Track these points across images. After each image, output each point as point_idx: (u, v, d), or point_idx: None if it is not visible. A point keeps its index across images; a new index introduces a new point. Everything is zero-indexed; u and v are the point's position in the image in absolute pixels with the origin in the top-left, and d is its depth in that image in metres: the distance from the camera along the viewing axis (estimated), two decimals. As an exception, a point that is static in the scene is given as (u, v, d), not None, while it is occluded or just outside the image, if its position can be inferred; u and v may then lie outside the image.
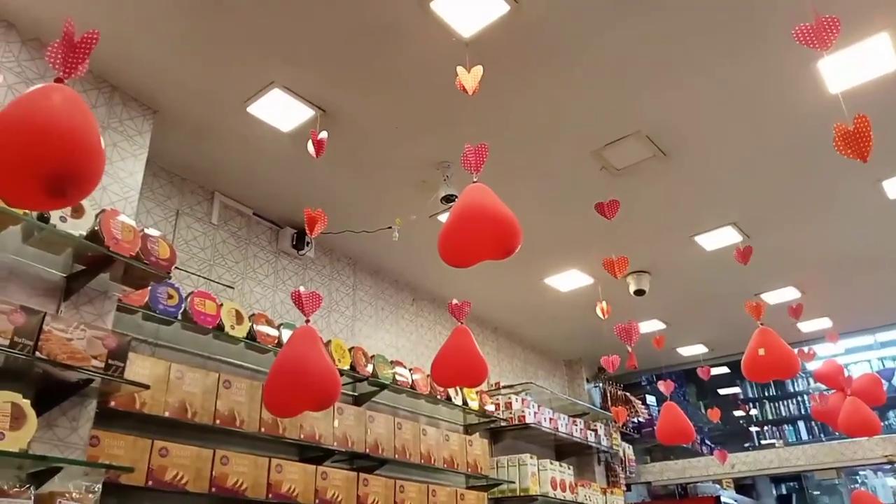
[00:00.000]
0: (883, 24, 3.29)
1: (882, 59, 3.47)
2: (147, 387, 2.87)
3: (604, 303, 5.06)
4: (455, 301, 3.78)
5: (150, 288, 3.46)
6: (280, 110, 3.78)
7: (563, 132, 4.08)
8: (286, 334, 4.08)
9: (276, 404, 2.70)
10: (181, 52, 3.38)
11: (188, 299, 3.70)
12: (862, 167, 2.94)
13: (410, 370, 5.07)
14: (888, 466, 6.43)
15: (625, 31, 3.33)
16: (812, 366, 6.63)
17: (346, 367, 4.46)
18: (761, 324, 4.31)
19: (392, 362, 4.96)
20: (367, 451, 4.37)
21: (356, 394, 4.83)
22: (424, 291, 6.18)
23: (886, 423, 8.92)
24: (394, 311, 5.83)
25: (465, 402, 5.49)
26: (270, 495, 3.63)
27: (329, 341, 4.42)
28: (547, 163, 4.38)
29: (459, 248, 2.27)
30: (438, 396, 5.21)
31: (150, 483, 3.13)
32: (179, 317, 3.66)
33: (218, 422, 3.56)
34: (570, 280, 5.95)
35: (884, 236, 5.39)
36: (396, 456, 4.56)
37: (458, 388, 5.43)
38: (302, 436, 3.98)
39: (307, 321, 2.88)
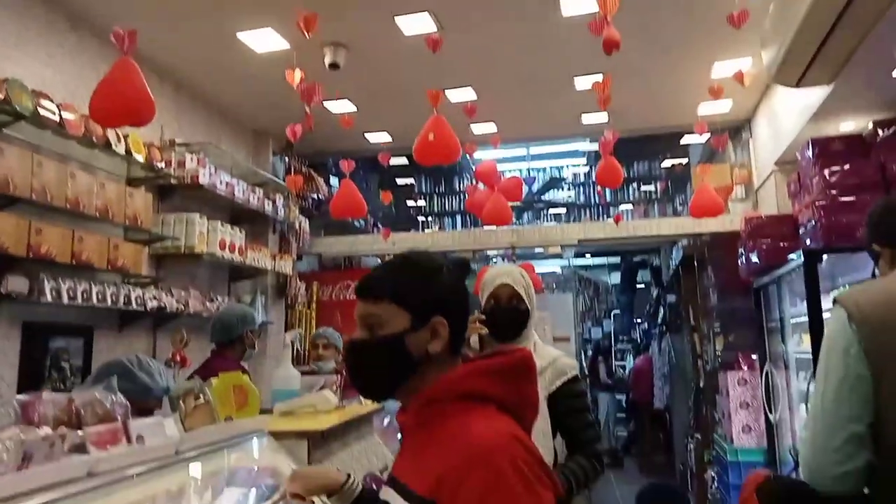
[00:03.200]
0: None
1: None
2: None
3: (297, 71, 4.91)
4: (120, 29, 3.25)
5: None
6: None
7: None
8: None
9: None
10: None
11: None
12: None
13: (59, 106, 4.34)
14: (510, 251, 7.94)
15: None
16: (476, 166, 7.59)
17: (-36, 85, 3.61)
18: (436, 112, 4.65)
19: (35, 92, 4.17)
20: (-7, 185, 3.76)
21: (-20, 122, 4.00)
22: (89, 21, 5.16)
23: (518, 221, 10.87)
24: (44, 36, 4.79)
25: (129, 153, 4.98)
26: None
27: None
28: None
29: None
30: (95, 140, 4.61)
31: None
32: None
33: None
34: (265, 40, 5.53)
35: (553, 58, 6.06)
36: (34, 196, 4.00)
37: (120, 136, 4.88)
38: None
39: None
